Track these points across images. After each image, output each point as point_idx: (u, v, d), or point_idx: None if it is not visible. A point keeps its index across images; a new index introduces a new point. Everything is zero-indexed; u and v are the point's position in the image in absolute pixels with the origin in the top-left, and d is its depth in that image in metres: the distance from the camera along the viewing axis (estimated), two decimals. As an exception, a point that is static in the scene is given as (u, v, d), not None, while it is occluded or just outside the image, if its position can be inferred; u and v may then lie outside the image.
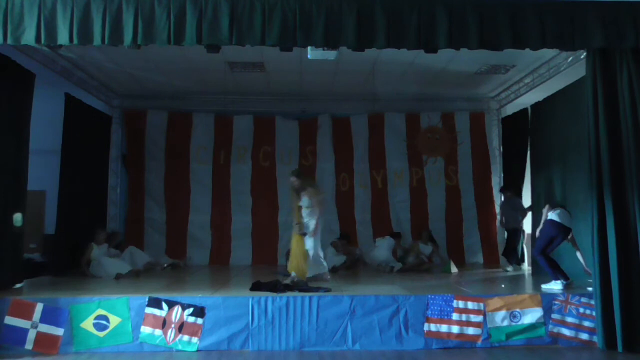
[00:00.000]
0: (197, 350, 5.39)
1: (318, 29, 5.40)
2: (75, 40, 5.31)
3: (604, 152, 5.57)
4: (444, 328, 5.56)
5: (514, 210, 8.84)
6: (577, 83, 7.00)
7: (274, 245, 9.96)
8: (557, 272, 6.40)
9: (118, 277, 7.30)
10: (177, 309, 5.49)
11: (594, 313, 5.56)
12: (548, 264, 6.53)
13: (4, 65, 6.31)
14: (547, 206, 6.88)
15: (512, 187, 9.26)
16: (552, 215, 6.61)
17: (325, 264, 7.25)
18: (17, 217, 6.52)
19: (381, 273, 8.21)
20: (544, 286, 6.35)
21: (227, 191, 10.12)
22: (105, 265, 7.50)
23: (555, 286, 6.24)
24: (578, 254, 6.53)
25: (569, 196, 7.54)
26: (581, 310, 5.65)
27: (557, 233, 6.51)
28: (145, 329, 5.45)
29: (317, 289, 6.04)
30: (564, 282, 6.27)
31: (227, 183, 10.16)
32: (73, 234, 7.96)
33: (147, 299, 5.53)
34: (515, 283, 7.31)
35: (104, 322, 5.43)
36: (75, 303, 5.49)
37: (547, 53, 7.30)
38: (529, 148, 9.13)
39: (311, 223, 7.04)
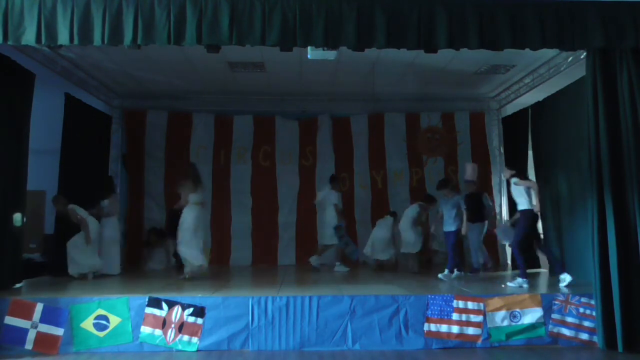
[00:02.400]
0: (197, 350, 5.38)
1: (318, 29, 5.40)
2: (75, 40, 5.31)
3: (604, 152, 5.57)
4: (444, 328, 5.56)
5: (454, 209, 7.77)
6: (577, 83, 6.99)
7: (274, 245, 9.97)
8: (526, 271, 6.61)
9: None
10: (177, 309, 5.49)
11: (594, 313, 5.56)
12: (523, 260, 6.67)
13: (4, 65, 6.31)
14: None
15: (449, 183, 8.36)
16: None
17: (197, 262, 7.29)
18: (17, 217, 6.52)
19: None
20: (509, 284, 6.53)
21: (227, 191, 10.12)
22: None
23: (524, 284, 6.40)
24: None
25: (569, 196, 7.55)
26: (581, 310, 5.65)
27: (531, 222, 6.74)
28: (145, 329, 5.44)
29: None
30: (529, 282, 6.49)
31: (227, 183, 10.15)
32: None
33: (147, 299, 5.53)
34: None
35: (104, 322, 5.43)
36: (75, 303, 5.50)
37: (547, 53, 7.30)
38: (529, 148, 9.12)
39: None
